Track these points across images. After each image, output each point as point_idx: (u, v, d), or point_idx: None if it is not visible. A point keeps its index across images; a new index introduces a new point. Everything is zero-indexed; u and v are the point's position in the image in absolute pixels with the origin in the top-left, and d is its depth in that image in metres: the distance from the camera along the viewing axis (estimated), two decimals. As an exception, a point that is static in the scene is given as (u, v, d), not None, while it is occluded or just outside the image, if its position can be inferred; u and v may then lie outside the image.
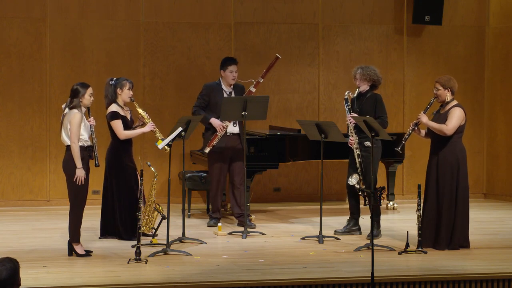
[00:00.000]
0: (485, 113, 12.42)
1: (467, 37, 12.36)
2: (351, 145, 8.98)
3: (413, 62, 12.25)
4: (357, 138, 8.93)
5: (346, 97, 9.04)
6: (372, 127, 8.42)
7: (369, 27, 12.12)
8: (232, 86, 9.70)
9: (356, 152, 8.93)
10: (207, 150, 9.66)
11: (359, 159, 8.92)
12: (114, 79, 8.90)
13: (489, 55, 12.39)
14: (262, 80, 9.62)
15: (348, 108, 8.99)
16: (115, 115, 8.79)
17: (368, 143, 8.94)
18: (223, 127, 9.55)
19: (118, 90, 8.85)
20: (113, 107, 8.85)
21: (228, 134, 9.65)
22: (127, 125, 8.86)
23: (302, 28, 11.97)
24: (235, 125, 9.66)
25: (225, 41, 11.75)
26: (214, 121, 9.58)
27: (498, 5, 12.31)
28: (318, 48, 12.01)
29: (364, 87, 9.07)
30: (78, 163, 7.91)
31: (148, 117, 8.87)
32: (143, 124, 8.91)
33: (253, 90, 9.61)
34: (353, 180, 8.82)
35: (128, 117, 8.93)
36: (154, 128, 8.81)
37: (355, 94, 9.06)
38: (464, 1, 12.34)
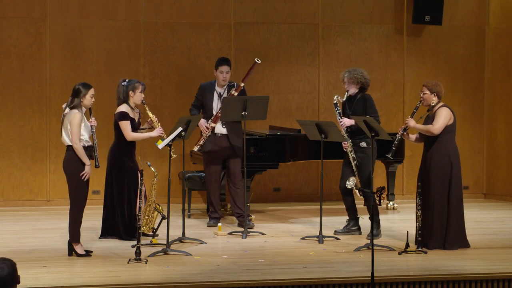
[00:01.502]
0: (485, 113, 12.42)
1: (467, 37, 12.36)
2: (345, 149, 9.02)
3: (413, 62, 12.25)
4: (351, 141, 8.97)
5: (335, 101, 9.09)
6: (372, 127, 8.43)
7: (369, 27, 12.12)
8: (225, 87, 9.66)
9: (351, 155, 8.96)
10: (195, 148, 9.71)
11: (354, 162, 8.95)
12: (127, 80, 8.88)
13: (489, 55, 12.39)
14: (243, 84, 9.60)
15: (339, 112, 9.03)
16: (124, 116, 8.77)
17: (363, 144, 8.98)
18: (207, 128, 9.54)
19: (130, 92, 8.83)
20: (123, 107, 8.83)
21: (217, 134, 9.64)
22: (134, 127, 8.85)
23: (302, 28, 11.97)
24: (224, 126, 9.64)
25: (225, 41, 11.75)
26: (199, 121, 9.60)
27: (498, 5, 12.31)
28: (318, 48, 12.01)
29: (353, 90, 9.11)
30: (86, 160, 7.93)
31: (158, 121, 8.85)
32: (151, 128, 8.90)
33: (235, 93, 9.57)
34: (351, 183, 8.86)
35: (136, 119, 8.92)
36: (162, 133, 8.78)
37: (345, 98, 9.09)
38: (464, 1, 12.34)
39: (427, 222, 8.40)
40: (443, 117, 8.40)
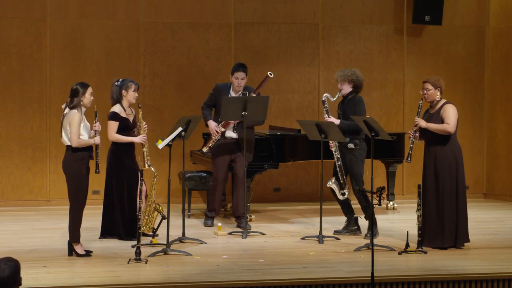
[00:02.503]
0: (485, 113, 12.42)
1: (467, 37, 12.36)
2: (331, 148, 9.06)
3: (413, 62, 12.25)
4: (336, 142, 9.00)
5: (324, 99, 9.12)
6: (372, 127, 8.43)
7: (369, 27, 12.12)
8: (240, 92, 9.61)
9: (336, 155, 8.99)
10: (204, 150, 9.72)
11: (339, 162, 8.98)
12: (120, 80, 8.90)
13: (489, 55, 12.39)
14: (254, 95, 9.60)
15: (326, 110, 9.06)
16: (113, 116, 8.78)
17: (351, 145, 9.00)
18: (217, 132, 9.54)
19: (123, 92, 8.85)
20: (115, 108, 8.85)
21: (226, 137, 9.63)
22: (129, 127, 8.85)
23: (302, 28, 11.97)
24: (235, 131, 9.63)
25: (225, 41, 11.75)
26: (210, 124, 9.59)
27: (498, 5, 12.31)
28: (318, 48, 12.01)
29: (346, 89, 9.12)
30: (91, 141, 7.98)
31: (145, 129, 8.83)
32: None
33: None
34: (330, 183, 8.96)
35: (131, 119, 8.91)
36: (144, 142, 8.77)
37: (336, 97, 9.10)
38: (464, 1, 12.34)
39: (436, 221, 8.39)
40: (453, 114, 8.39)
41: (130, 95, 8.85)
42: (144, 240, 8.44)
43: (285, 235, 9.35)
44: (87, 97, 8.04)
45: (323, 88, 11.98)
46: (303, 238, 9.02)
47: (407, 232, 8.33)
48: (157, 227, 8.64)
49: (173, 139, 8.42)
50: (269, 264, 7.74)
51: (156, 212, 8.81)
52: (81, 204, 8.05)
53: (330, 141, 9.07)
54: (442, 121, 8.42)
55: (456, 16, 12.31)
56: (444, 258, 8.06)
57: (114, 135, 8.78)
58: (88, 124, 8.12)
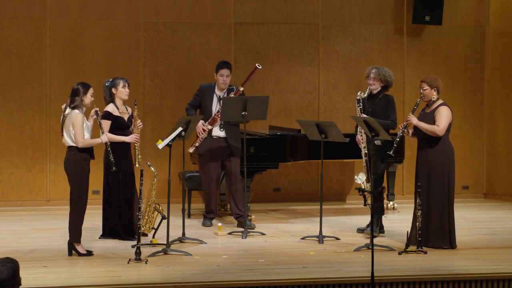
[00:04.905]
0: (485, 113, 12.42)
1: (467, 37, 12.36)
2: (359, 143, 9.01)
3: (413, 62, 12.25)
4: (365, 137, 8.92)
5: (358, 97, 9.05)
6: (372, 127, 8.42)
7: (369, 27, 12.11)
8: (225, 90, 9.67)
9: (364, 151, 8.94)
10: (190, 150, 9.71)
11: (365, 158, 8.93)
12: (110, 80, 8.92)
13: (489, 55, 12.39)
14: (242, 88, 9.61)
15: (360, 108, 8.99)
16: (105, 115, 8.79)
17: (378, 142, 8.94)
18: (204, 130, 9.55)
19: (113, 90, 8.87)
20: (109, 107, 8.87)
21: (214, 137, 9.64)
22: (123, 126, 8.85)
23: (302, 28, 11.96)
24: (221, 129, 9.64)
25: (225, 41, 11.75)
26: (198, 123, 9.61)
27: (498, 5, 12.31)
28: (318, 48, 12.01)
29: (376, 87, 9.10)
30: (98, 140, 8.07)
31: (140, 127, 8.82)
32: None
33: None
34: (359, 177, 8.85)
35: (126, 117, 8.91)
36: (136, 141, 8.76)
37: (366, 94, 9.06)
38: (464, 1, 12.33)
39: (428, 222, 8.39)
40: (445, 117, 8.38)
41: (120, 92, 8.86)
42: (144, 240, 8.44)
43: (285, 235, 9.35)
44: (88, 97, 8.05)
45: (323, 88, 11.98)
46: (303, 238, 9.02)
47: (407, 232, 8.33)
48: (157, 227, 8.64)
49: (173, 139, 8.42)
50: (269, 264, 7.74)
51: (156, 212, 8.81)
52: (83, 204, 8.05)
53: (359, 136, 9.02)
54: (434, 122, 8.42)
55: (456, 16, 12.31)
56: (444, 258, 8.06)
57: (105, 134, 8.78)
58: (89, 124, 8.13)
